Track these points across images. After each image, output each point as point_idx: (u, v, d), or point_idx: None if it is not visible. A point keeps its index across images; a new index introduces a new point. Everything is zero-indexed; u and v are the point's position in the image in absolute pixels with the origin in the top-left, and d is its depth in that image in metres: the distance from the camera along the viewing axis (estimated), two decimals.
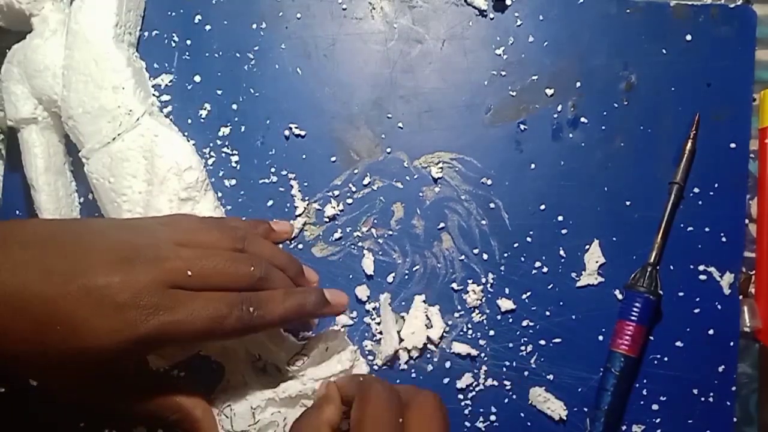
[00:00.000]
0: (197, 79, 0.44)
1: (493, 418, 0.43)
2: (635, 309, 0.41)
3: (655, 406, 0.43)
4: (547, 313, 0.43)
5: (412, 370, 0.43)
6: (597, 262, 0.43)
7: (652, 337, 0.43)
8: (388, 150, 0.44)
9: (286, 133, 0.44)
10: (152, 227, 0.34)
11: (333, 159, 0.44)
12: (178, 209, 0.39)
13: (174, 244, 0.33)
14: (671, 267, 0.43)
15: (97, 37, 0.39)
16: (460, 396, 0.43)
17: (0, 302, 0.29)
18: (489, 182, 0.44)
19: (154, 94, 0.43)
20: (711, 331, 0.43)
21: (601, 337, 0.43)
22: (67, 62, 0.39)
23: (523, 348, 0.43)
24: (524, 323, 0.43)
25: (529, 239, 0.43)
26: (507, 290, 0.43)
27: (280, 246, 0.42)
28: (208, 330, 0.32)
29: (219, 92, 0.44)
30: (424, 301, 0.43)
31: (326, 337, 0.40)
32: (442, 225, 0.44)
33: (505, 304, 0.43)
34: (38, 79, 0.40)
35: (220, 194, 0.43)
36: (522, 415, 0.43)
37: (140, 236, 0.32)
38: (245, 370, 0.40)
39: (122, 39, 0.41)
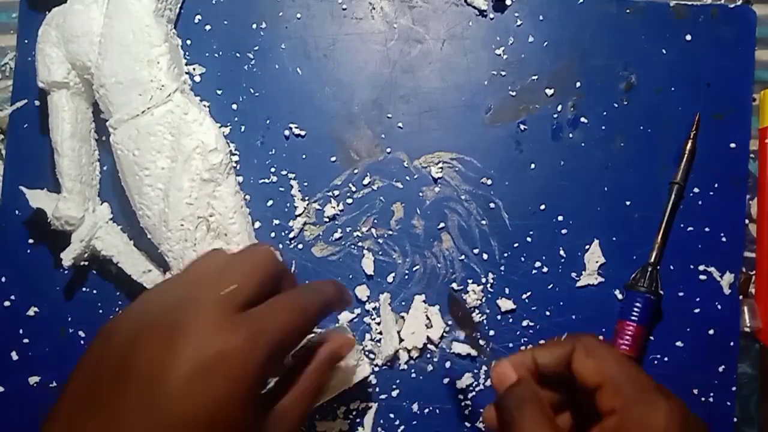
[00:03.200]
0: (197, 79, 0.44)
1: None
2: (635, 309, 0.41)
3: None
4: (547, 313, 0.43)
5: (412, 370, 0.43)
6: (597, 262, 0.43)
7: (652, 337, 0.43)
8: (388, 150, 0.44)
9: (286, 133, 0.44)
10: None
11: (333, 159, 0.44)
12: (199, 189, 0.39)
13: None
14: (671, 267, 0.43)
15: (138, 10, 0.39)
16: (460, 396, 0.43)
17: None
18: (489, 182, 0.44)
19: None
20: (711, 331, 0.43)
21: (601, 337, 0.43)
22: (105, 31, 0.39)
23: (523, 348, 0.43)
24: (524, 323, 0.43)
25: (529, 239, 0.43)
26: (507, 290, 0.43)
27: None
28: (302, 323, 0.29)
29: (219, 92, 0.44)
30: (424, 301, 0.43)
31: (332, 333, 0.40)
32: (442, 225, 0.44)
33: (505, 304, 0.43)
34: (75, 44, 0.40)
35: None
36: None
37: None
38: None
39: (162, 14, 0.41)
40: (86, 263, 0.42)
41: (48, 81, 0.40)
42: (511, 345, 0.43)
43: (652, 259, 0.42)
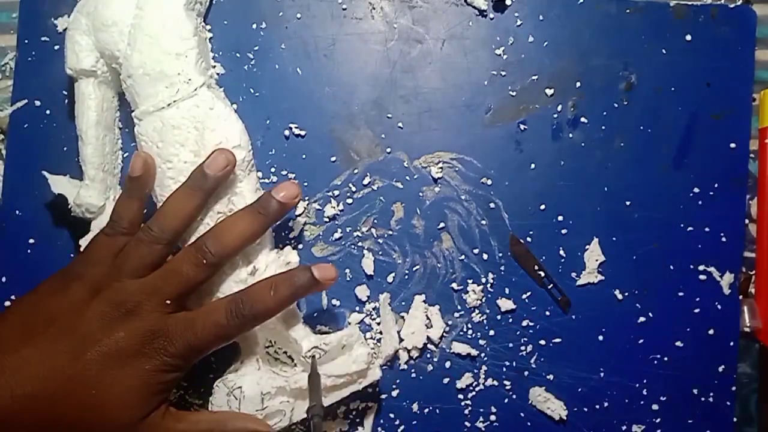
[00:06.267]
0: None
1: (493, 418, 0.43)
2: None
3: (655, 406, 0.43)
4: (547, 313, 0.43)
5: (412, 370, 0.43)
6: (597, 260, 0.43)
7: (652, 337, 0.43)
8: (388, 150, 0.44)
9: (286, 133, 0.44)
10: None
11: (333, 159, 0.44)
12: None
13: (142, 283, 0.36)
14: (671, 267, 0.43)
15: (170, 2, 0.39)
16: (460, 396, 0.43)
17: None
18: (489, 182, 0.44)
19: None
20: (711, 331, 0.43)
21: (601, 337, 0.43)
22: (136, 21, 0.39)
23: (523, 348, 0.43)
24: (524, 323, 0.43)
25: (529, 239, 0.43)
26: (507, 290, 0.43)
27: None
28: (216, 340, 0.36)
29: None
30: (424, 301, 0.43)
31: (345, 335, 0.40)
32: (442, 225, 0.44)
33: (505, 304, 0.43)
34: (104, 33, 0.40)
35: None
36: (522, 415, 0.43)
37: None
38: (260, 354, 0.40)
39: (193, 8, 0.41)
40: None
41: (76, 68, 0.41)
42: (510, 345, 0.43)
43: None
